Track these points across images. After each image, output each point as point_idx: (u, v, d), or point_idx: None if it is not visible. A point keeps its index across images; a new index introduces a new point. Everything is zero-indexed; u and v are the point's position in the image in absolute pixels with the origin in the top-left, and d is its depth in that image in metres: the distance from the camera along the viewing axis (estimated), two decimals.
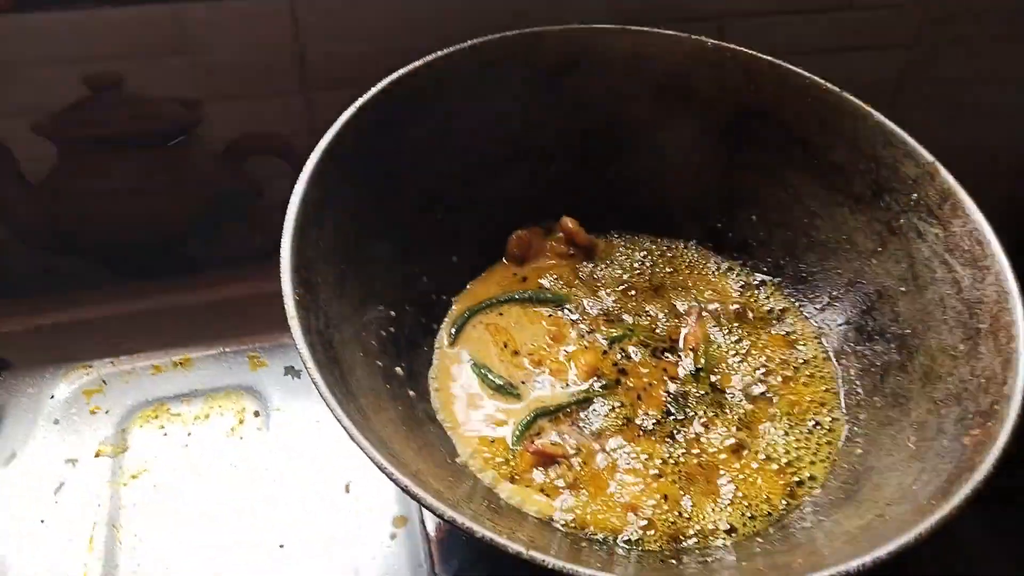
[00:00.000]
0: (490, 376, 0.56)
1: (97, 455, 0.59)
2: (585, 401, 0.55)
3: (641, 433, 0.54)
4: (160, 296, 0.70)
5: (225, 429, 0.60)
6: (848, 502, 0.50)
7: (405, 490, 0.39)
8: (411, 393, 0.54)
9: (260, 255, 0.79)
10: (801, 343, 0.59)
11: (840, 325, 0.59)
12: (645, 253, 0.65)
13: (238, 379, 0.64)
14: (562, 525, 0.49)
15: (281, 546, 0.54)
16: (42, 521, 0.56)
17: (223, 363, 0.65)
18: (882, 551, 0.40)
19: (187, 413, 0.61)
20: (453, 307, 0.61)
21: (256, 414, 0.61)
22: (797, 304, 0.62)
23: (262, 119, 0.71)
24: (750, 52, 0.58)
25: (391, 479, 0.39)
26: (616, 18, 0.61)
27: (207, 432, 0.60)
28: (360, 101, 0.54)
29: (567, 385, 0.56)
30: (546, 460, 0.52)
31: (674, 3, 0.68)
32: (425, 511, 0.55)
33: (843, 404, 0.56)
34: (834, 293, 0.60)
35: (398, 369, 0.54)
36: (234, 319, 0.68)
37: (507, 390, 0.56)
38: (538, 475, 0.52)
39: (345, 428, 0.40)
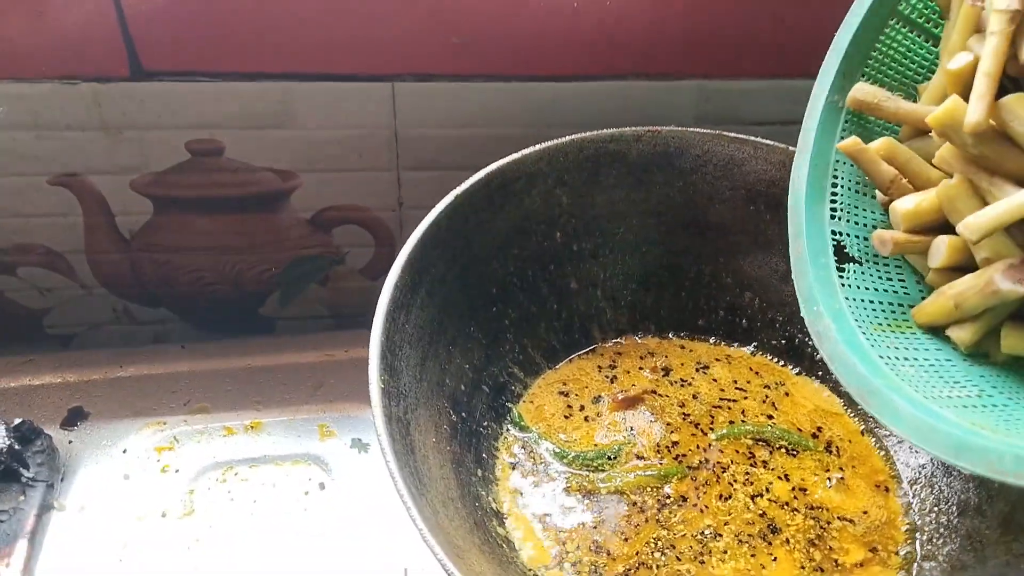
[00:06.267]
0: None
1: (163, 516, 0.60)
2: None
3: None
4: (235, 356, 0.71)
5: (290, 500, 0.61)
6: None
7: None
8: (478, 481, 0.54)
9: (337, 320, 0.82)
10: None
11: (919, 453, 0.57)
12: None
13: (306, 448, 0.64)
14: None
15: None
16: None
17: (293, 430, 0.65)
18: None
19: (254, 479, 0.62)
20: (527, 392, 0.61)
21: (322, 486, 0.62)
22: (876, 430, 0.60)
23: (352, 191, 0.73)
24: None
25: None
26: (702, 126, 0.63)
27: (273, 501, 0.61)
28: (458, 190, 0.56)
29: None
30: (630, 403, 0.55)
31: (753, 112, 0.69)
32: None
33: (916, 538, 0.54)
34: None
35: (467, 455, 0.54)
36: (306, 385, 0.69)
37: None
38: None
39: (419, 530, 0.40)
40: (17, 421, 0.60)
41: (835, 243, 0.47)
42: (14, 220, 0.72)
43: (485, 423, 0.57)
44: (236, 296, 0.79)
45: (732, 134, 0.60)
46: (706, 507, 0.54)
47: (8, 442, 0.52)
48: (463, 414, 0.55)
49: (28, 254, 0.73)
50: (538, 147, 0.58)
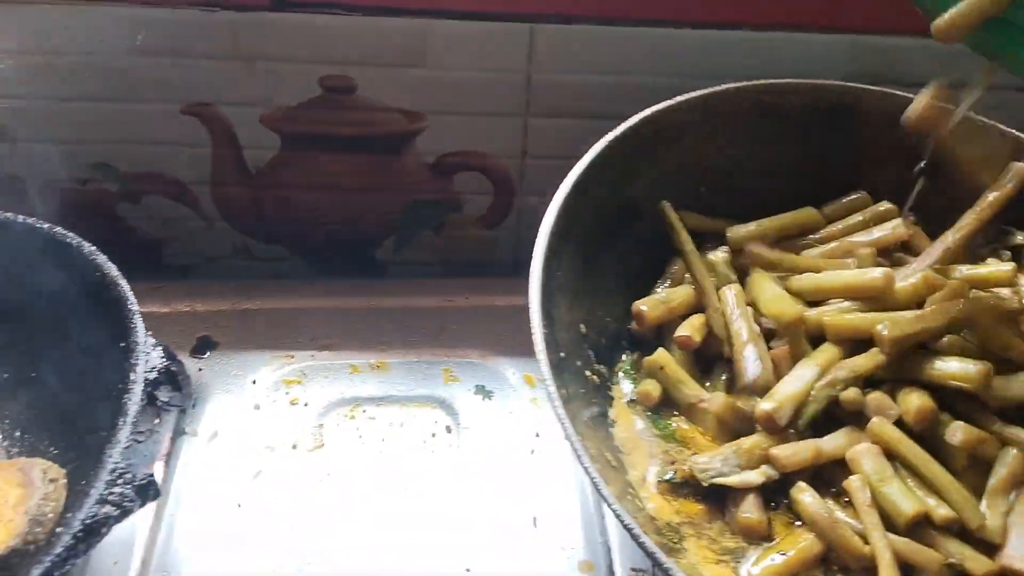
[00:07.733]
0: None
1: (294, 447, 0.60)
2: None
3: None
4: (357, 296, 0.71)
5: (418, 440, 0.61)
6: None
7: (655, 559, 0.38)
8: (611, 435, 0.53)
9: (445, 268, 0.81)
10: None
11: None
12: None
13: (431, 390, 0.64)
14: None
15: (468, 570, 0.54)
16: (239, 505, 0.57)
17: (417, 372, 0.65)
18: None
19: (382, 418, 0.62)
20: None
21: (448, 429, 0.62)
22: None
23: (476, 136, 0.72)
24: None
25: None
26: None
27: (401, 441, 0.61)
28: (611, 136, 0.54)
29: None
30: None
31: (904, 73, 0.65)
32: (615, 560, 0.54)
33: None
34: None
35: (607, 411, 0.53)
36: (428, 328, 0.69)
37: None
38: None
39: (610, 506, 0.39)
40: None
41: None
42: (143, 147, 0.72)
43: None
44: (353, 237, 0.79)
45: (899, 92, 0.57)
46: None
47: (166, 363, 0.53)
48: (604, 369, 0.54)
49: (154, 183, 0.74)
50: (692, 95, 0.56)
